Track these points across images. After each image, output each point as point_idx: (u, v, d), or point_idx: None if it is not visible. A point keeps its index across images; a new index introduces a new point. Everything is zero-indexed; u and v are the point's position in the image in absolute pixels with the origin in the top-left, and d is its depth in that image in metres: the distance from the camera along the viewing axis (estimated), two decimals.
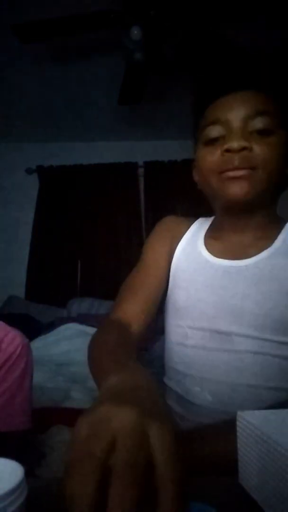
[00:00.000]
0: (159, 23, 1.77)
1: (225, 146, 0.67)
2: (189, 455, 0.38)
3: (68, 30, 1.83)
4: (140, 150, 3.50)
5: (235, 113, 0.68)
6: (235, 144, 0.66)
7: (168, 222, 0.88)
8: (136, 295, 0.77)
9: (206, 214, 0.86)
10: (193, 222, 0.87)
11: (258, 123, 0.68)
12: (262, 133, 0.68)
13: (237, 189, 0.67)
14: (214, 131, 0.70)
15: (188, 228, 0.85)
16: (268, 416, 0.40)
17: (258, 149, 0.67)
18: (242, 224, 0.74)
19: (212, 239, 0.80)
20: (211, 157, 0.70)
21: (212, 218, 0.85)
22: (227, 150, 0.67)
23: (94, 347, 0.64)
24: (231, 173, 0.67)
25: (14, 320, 1.35)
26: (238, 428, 0.40)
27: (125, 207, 3.49)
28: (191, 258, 0.79)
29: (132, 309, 0.74)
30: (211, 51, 1.86)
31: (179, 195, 3.31)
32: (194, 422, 0.70)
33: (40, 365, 1.68)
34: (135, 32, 1.78)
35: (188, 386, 0.74)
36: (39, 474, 0.99)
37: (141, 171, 3.53)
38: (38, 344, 2.18)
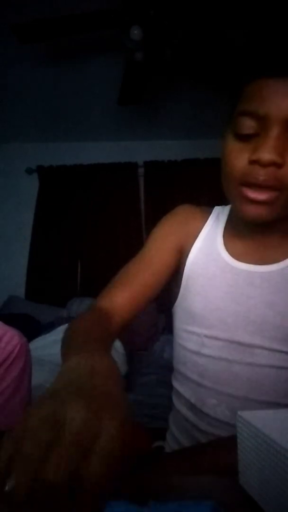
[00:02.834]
0: (159, 22, 1.77)
1: (253, 157, 0.56)
2: (188, 469, 0.38)
3: (68, 30, 1.83)
4: (140, 150, 3.50)
5: (278, 109, 0.54)
6: (265, 157, 0.54)
7: (182, 214, 0.78)
8: (126, 286, 0.71)
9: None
10: (210, 213, 0.77)
11: None
12: None
13: (255, 214, 0.59)
14: (248, 126, 0.57)
15: (205, 222, 0.75)
16: (268, 416, 0.39)
17: None
18: (264, 225, 0.64)
19: (231, 237, 0.71)
20: (236, 160, 0.58)
21: (229, 207, 0.76)
22: (254, 161, 0.56)
23: (68, 330, 0.60)
24: (252, 195, 0.57)
25: (14, 320, 1.35)
26: (238, 428, 0.40)
27: (125, 207, 3.48)
28: (209, 259, 0.71)
29: (118, 300, 0.69)
30: (214, 49, 1.85)
31: (179, 195, 3.31)
32: (209, 432, 0.68)
33: (40, 365, 1.67)
34: (135, 32, 1.77)
35: (203, 397, 0.70)
36: None
37: (141, 171, 3.53)
38: (38, 344, 2.18)
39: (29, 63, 2.39)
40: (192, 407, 0.72)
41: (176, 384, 0.78)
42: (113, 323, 0.65)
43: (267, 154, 0.54)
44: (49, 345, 2.23)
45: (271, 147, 0.54)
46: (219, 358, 0.68)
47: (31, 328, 2.49)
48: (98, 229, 3.47)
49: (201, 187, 3.23)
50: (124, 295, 0.70)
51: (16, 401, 0.87)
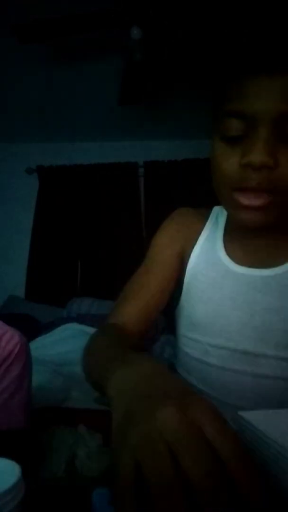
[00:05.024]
0: (159, 22, 1.77)
1: (244, 160, 0.52)
2: None
3: (68, 30, 1.83)
4: (140, 150, 3.50)
5: (266, 107, 0.51)
6: (256, 159, 0.51)
7: (180, 218, 0.76)
8: (132, 301, 0.70)
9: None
10: (208, 215, 0.75)
11: None
12: None
13: (250, 219, 0.56)
14: (236, 127, 0.54)
15: (204, 225, 0.73)
16: (268, 416, 0.39)
17: (284, 167, 0.52)
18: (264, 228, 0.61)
19: (231, 240, 0.69)
20: (227, 165, 0.55)
21: None
22: (246, 165, 0.53)
23: (89, 351, 0.58)
24: (246, 201, 0.54)
25: (14, 320, 1.35)
26: (238, 428, 0.40)
27: (125, 207, 3.48)
28: (210, 265, 0.69)
29: (127, 316, 0.68)
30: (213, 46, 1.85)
31: (179, 195, 3.31)
32: None
33: (40, 365, 1.67)
34: (135, 32, 1.77)
35: None
36: (39, 474, 0.99)
37: (141, 171, 3.53)
38: (38, 344, 2.18)
39: (29, 63, 2.39)
40: None
41: None
42: (130, 336, 0.64)
43: (258, 157, 0.51)
44: (49, 345, 2.23)
45: (262, 148, 0.51)
46: (224, 368, 0.65)
47: (31, 328, 2.48)
48: (98, 229, 3.46)
49: (201, 187, 3.22)
50: (132, 310, 0.69)
51: (16, 401, 0.87)
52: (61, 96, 2.79)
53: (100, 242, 3.44)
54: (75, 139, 3.47)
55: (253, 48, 0.56)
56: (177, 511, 0.25)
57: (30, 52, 2.21)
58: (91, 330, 2.33)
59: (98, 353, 0.54)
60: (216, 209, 0.76)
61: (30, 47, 2.01)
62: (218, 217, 0.74)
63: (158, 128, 3.29)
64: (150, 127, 3.28)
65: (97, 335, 0.63)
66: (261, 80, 0.51)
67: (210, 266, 0.69)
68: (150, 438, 0.27)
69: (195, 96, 2.72)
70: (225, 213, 0.74)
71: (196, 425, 0.28)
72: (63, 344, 2.24)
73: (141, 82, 2.23)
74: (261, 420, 0.38)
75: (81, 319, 2.69)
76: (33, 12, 1.84)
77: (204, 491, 0.25)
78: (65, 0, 1.81)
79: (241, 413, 0.40)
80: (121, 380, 0.36)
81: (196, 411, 0.29)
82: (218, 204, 0.76)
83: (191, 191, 3.26)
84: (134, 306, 0.69)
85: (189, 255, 0.72)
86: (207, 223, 0.74)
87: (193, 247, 0.72)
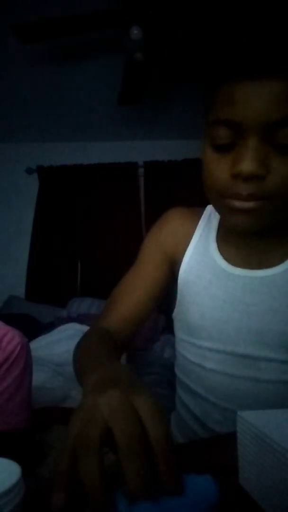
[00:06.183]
0: (159, 22, 1.77)
1: (234, 171, 0.51)
2: (185, 467, 0.38)
3: (68, 30, 1.83)
4: (140, 150, 3.50)
5: (254, 114, 0.49)
6: (245, 169, 0.50)
7: (171, 221, 0.74)
8: (118, 305, 0.70)
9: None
10: (201, 214, 0.73)
11: (284, 137, 0.49)
12: (286, 149, 0.50)
13: (242, 222, 0.55)
14: (224, 135, 0.52)
15: (196, 225, 0.71)
16: (268, 416, 0.39)
17: (275, 175, 0.50)
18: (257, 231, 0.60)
19: (225, 240, 0.67)
20: (218, 174, 0.54)
21: None
22: (236, 175, 0.52)
23: (77, 352, 0.60)
24: (238, 204, 0.53)
25: (14, 320, 1.35)
26: (238, 428, 0.40)
27: (125, 207, 3.48)
28: (204, 266, 0.67)
29: (113, 320, 0.68)
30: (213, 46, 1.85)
31: (179, 195, 3.31)
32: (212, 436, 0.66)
33: (40, 365, 1.67)
34: (135, 32, 1.77)
35: (208, 412, 0.66)
36: (39, 474, 0.99)
37: (141, 171, 3.53)
38: (38, 344, 2.18)
39: (29, 63, 2.39)
40: (197, 419, 0.69)
41: (180, 391, 0.75)
42: (116, 340, 0.64)
43: (248, 167, 0.50)
44: (49, 345, 2.23)
45: (251, 158, 0.50)
46: (223, 372, 0.64)
47: (31, 328, 2.48)
48: (98, 229, 3.46)
49: (201, 187, 3.22)
50: (117, 315, 0.69)
51: (16, 401, 0.87)
52: (61, 96, 2.79)
53: (100, 242, 3.44)
54: (75, 139, 3.47)
55: (241, 52, 0.53)
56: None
57: (30, 52, 2.22)
58: None
59: (83, 355, 0.57)
60: (210, 208, 0.74)
61: (30, 47, 2.01)
62: (211, 216, 0.72)
63: (158, 128, 3.29)
64: (150, 127, 3.28)
65: (86, 337, 0.65)
66: (249, 86, 0.49)
67: (204, 268, 0.67)
68: (91, 411, 0.34)
69: (195, 96, 2.72)
70: (218, 214, 0.73)
71: (131, 406, 0.33)
72: (63, 344, 2.24)
73: (141, 82, 2.23)
74: (261, 420, 0.38)
75: (81, 319, 2.69)
76: (33, 12, 1.84)
77: (125, 456, 0.30)
78: (65, 0, 1.81)
79: (241, 413, 0.40)
80: (91, 379, 0.42)
81: (136, 398, 0.34)
82: None
83: (191, 191, 3.25)
84: (118, 312, 0.69)
85: (182, 256, 0.70)
86: (200, 223, 0.72)
87: (185, 249, 0.70)
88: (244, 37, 0.55)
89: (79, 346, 0.62)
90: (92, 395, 0.36)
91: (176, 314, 0.74)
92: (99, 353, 0.53)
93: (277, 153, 0.50)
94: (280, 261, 0.62)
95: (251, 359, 0.62)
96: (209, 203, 0.75)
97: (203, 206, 0.76)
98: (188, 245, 0.70)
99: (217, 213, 0.72)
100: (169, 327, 2.43)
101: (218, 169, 0.54)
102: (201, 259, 0.68)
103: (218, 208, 0.60)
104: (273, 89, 0.48)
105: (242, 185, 0.51)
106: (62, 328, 2.42)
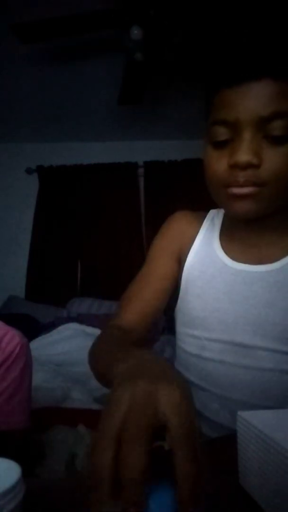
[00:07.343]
0: (159, 22, 1.77)
1: (231, 161, 0.58)
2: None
3: (68, 30, 1.83)
4: (140, 150, 3.50)
5: (246, 113, 0.56)
6: (241, 159, 0.56)
7: (179, 221, 0.79)
8: (130, 304, 0.73)
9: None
10: (205, 217, 0.78)
11: (274, 129, 0.56)
12: (277, 140, 0.56)
13: (242, 208, 0.60)
14: (222, 133, 0.59)
15: (201, 226, 0.77)
16: (268, 416, 0.39)
17: (269, 163, 0.57)
18: (259, 224, 0.66)
19: (228, 238, 0.72)
20: (217, 166, 0.61)
21: (223, 210, 0.77)
22: (233, 165, 0.58)
23: (95, 351, 0.61)
24: (235, 190, 0.59)
25: (14, 320, 1.35)
26: (238, 428, 0.40)
27: (125, 207, 3.48)
28: (207, 261, 0.72)
29: (126, 319, 0.70)
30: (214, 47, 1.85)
31: (179, 195, 3.31)
32: (210, 437, 0.67)
33: (40, 365, 1.68)
34: (135, 32, 1.77)
35: (205, 401, 0.69)
36: (39, 474, 0.99)
37: (141, 171, 3.53)
38: (38, 344, 2.18)
39: (29, 63, 2.39)
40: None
41: None
42: (132, 337, 0.66)
43: (243, 156, 0.56)
44: (49, 345, 2.24)
45: (246, 148, 0.56)
46: (221, 361, 0.67)
47: (31, 328, 2.48)
48: (98, 229, 3.46)
49: (201, 187, 3.19)
50: (130, 314, 0.71)
51: (16, 401, 0.87)
52: (61, 96, 2.79)
53: (100, 242, 3.45)
54: (75, 139, 3.48)
55: (233, 62, 0.60)
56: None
57: (30, 52, 2.22)
58: (91, 330, 2.33)
59: (104, 353, 0.56)
60: (212, 212, 0.79)
61: (30, 47, 2.01)
62: (214, 218, 0.78)
63: (158, 128, 3.29)
64: (150, 127, 3.28)
65: (102, 336, 0.66)
66: (241, 90, 0.57)
67: (207, 263, 0.71)
68: (113, 403, 0.32)
69: (195, 96, 2.72)
70: (220, 215, 0.77)
71: (147, 401, 0.31)
72: (63, 344, 2.24)
73: (141, 82, 2.23)
74: (261, 420, 0.38)
75: (81, 319, 2.69)
76: (33, 12, 1.84)
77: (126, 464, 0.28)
78: (65, 0, 1.81)
79: (241, 413, 0.40)
80: (122, 370, 0.39)
81: (163, 396, 0.32)
82: (215, 205, 0.78)
83: (191, 191, 3.26)
84: (131, 311, 0.72)
85: (187, 254, 0.75)
86: (204, 224, 0.77)
87: (190, 246, 0.75)
88: (237, 45, 0.64)
89: (95, 347, 0.63)
90: (134, 381, 0.33)
91: (179, 307, 0.76)
92: (120, 348, 0.54)
93: (269, 144, 0.57)
94: (279, 257, 0.66)
95: (248, 348, 0.65)
96: (208, 204, 0.77)
97: (203, 205, 0.80)
98: (193, 242, 0.75)
99: (220, 215, 0.77)
100: (169, 327, 2.42)
101: (217, 162, 0.61)
102: (205, 256, 0.73)
103: (219, 199, 0.65)
104: (261, 90, 0.56)
105: (238, 173, 0.58)
106: (62, 328, 2.42)
